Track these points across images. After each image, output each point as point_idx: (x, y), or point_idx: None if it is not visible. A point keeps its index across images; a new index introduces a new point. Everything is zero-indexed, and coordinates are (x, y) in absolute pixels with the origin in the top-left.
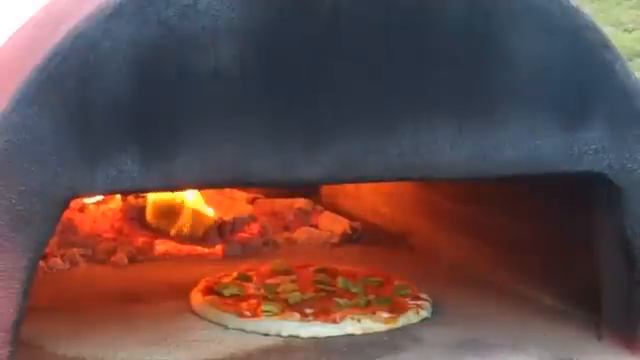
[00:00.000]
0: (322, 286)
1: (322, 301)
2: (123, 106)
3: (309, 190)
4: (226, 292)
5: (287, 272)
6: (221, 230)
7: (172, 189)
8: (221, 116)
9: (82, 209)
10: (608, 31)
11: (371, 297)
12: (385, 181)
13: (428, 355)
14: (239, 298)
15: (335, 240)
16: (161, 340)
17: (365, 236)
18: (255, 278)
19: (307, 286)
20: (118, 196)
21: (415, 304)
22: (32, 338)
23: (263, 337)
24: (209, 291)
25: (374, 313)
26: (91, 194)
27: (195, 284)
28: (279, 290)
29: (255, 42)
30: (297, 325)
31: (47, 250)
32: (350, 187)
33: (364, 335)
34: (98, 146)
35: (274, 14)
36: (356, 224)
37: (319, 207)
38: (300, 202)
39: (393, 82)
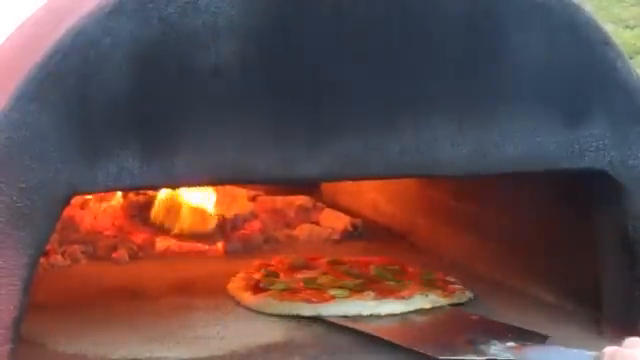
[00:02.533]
0: (353, 275)
1: (369, 287)
2: (124, 103)
3: (310, 187)
4: (274, 288)
5: (306, 266)
6: (222, 227)
7: (173, 186)
8: (222, 113)
9: (83, 206)
10: (609, 28)
11: (408, 282)
12: (386, 178)
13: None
14: (290, 291)
15: (336, 237)
16: (162, 337)
17: (366, 233)
18: (282, 274)
19: (341, 276)
20: (119, 193)
21: (457, 287)
22: (33, 335)
23: (264, 334)
24: (256, 289)
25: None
26: (92, 191)
27: (196, 281)
28: (319, 282)
29: (256, 39)
30: (375, 303)
31: (48, 247)
32: (351, 184)
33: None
34: (99, 143)
35: (275, 11)
36: (357, 221)
37: (320, 204)
38: (301, 199)
39: (394, 79)
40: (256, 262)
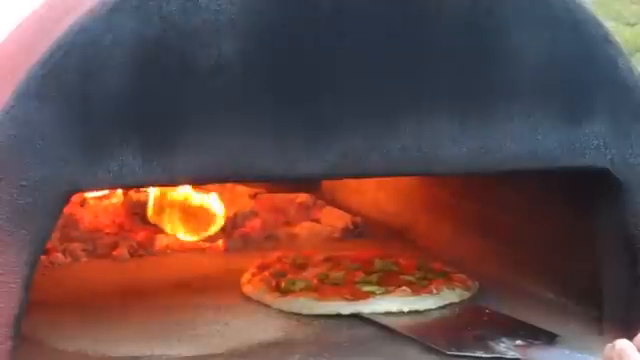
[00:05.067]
0: (362, 270)
1: (388, 281)
2: (125, 100)
3: (310, 185)
4: (296, 287)
5: (305, 264)
6: (223, 225)
7: (174, 184)
8: (223, 111)
9: (83, 204)
10: (610, 25)
11: (419, 274)
12: (387, 176)
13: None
14: (310, 289)
15: (337, 235)
16: (163, 334)
17: (367, 231)
18: (288, 273)
19: (351, 272)
20: (119, 191)
21: (462, 276)
22: (33, 333)
23: (264, 331)
24: (278, 289)
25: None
26: (93, 189)
27: (196, 278)
28: (334, 277)
29: (257, 37)
30: (413, 299)
31: (48, 245)
32: (352, 182)
33: (365, 328)
34: (100, 141)
35: (276, 9)
36: (358, 219)
37: (320, 202)
38: (301, 197)
39: (395, 77)
40: (257, 261)
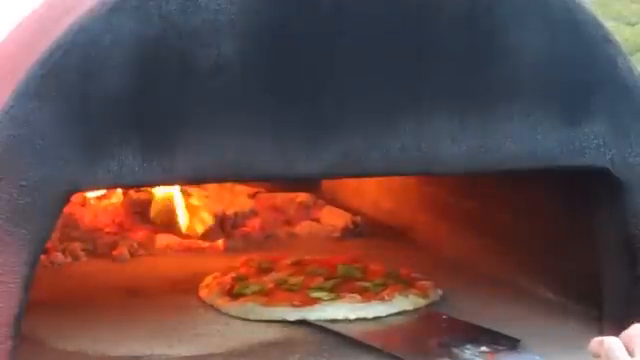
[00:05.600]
0: (323, 275)
1: (344, 287)
2: (124, 100)
3: (310, 184)
4: (248, 291)
5: (270, 268)
6: (222, 224)
7: (173, 183)
8: (222, 111)
9: (83, 203)
10: (610, 25)
11: (380, 280)
12: (387, 176)
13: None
14: (266, 294)
15: (337, 234)
16: (162, 334)
17: (367, 230)
18: (251, 277)
19: (311, 277)
20: (119, 190)
21: (427, 283)
22: (33, 332)
23: (264, 331)
24: (230, 293)
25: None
26: (92, 188)
27: (196, 278)
28: (292, 282)
29: (256, 37)
30: (362, 306)
31: (48, 244)
32: (351, 181)
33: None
34: (99, 140)
35: (275, 9)
36: (357, 218)
37: (320, 201)
38: (301, 196)
39: (394, 77)
40: (223, 266)
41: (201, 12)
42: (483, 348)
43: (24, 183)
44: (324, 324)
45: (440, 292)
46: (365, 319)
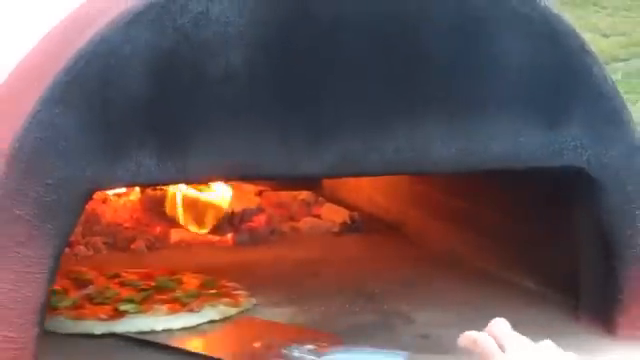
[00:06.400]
0: (139, 288)
1: (156, 298)
2: (141, 106)
3: (312, 183)
4: (60, 304)
5: (90, 281)
6: (231, 220)
7: (186, 182)
8: (231, 116)
9: (104, 200)
10: (587, 37)
11: (193, 290)
12: (382, 175)
13: (423, 331)
14: (78, 308)
15: (336, 229)
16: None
17: (363, 225)
18: (69, 290)
19: (127, 289)
20: (137, 189)
21: (241, 292)
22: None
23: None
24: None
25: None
26: (112, 187)
27: (208, 269)
28: (108, 295)
29: (262, 48)
30: (168, 318)
31: (72, 238)
32: (350, 180)
33: (354, 317)
34: (118, 143)
35: (279, 22)
36: (355, 214)
37: (321, 199)
38: (304, 194)
39: (389, 84)
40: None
41: (212, 25)
42: (309, 346)
43: (50, 182)
44: (135, 335)
45: (254, 301)
46: (174, 329)
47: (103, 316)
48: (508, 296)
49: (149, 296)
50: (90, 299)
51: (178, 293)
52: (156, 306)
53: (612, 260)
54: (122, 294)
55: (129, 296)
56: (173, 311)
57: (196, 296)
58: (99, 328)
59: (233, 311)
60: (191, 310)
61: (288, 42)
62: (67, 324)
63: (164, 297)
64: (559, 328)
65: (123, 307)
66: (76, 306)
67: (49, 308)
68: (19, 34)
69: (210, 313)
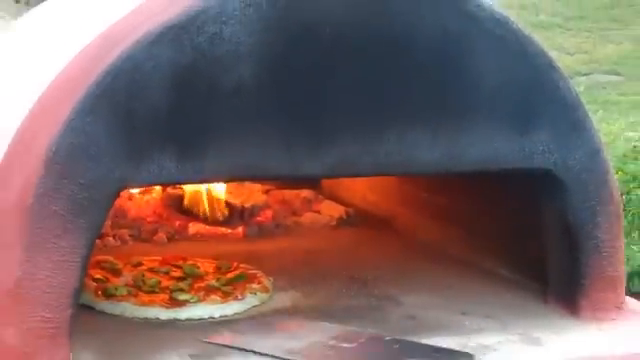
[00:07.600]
0: (168, 274)
1: (195, 286)
2: (163, 115)
3: (312, 182)
4: (118, 292)
5: (120, 270)
6: (242, 215)
7: (203, 182)
8: (242, 124)
9: (130, 197)
10: (554, 54)
11: (224, 279)
12: (375, 176)
13: (410, 312)
14: (131, 294)
15: (333, 223)
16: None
17: (358, 220)
18: (110, 279)
19: (160, 276)
20: (159, 187)
21: (258, 272)
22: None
23: (274, 300)
24: (104, 293)
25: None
26: (137, 186)
27: (222, 257)
28: (151, 284)
29: (269, 64)
30: (223, 306)
31: (102, 231)
32: (346, 180)
33: (349, 300)
34: (142, 148)
35: (284, 41)
36: (350, 210)
37: (321, 196)
38: (305, 192)
39: (381, 96)
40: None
41: (225, 44)
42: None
43: (82, 182)
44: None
45: (272, 279)
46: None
47: (165, 304)
48: (485, 282)
49: (190, 285)
50: (138, 287)
51: (213, 282)
52: (212, 296)
53: (575, 251)
54: (163, 283)
55: (176, 285)
56: (225, 300)
57: (229, 284)
58: (165, 314)
59: (266, 297)
60: (236, 298)
61: (292, 59)
62: (131, 309)
63: (202, 285)
64: (530, 310)
65: (182, 297)
66: (133, 294)
67: (106, 295)
68: (56, 51)
69: (252, 300)
